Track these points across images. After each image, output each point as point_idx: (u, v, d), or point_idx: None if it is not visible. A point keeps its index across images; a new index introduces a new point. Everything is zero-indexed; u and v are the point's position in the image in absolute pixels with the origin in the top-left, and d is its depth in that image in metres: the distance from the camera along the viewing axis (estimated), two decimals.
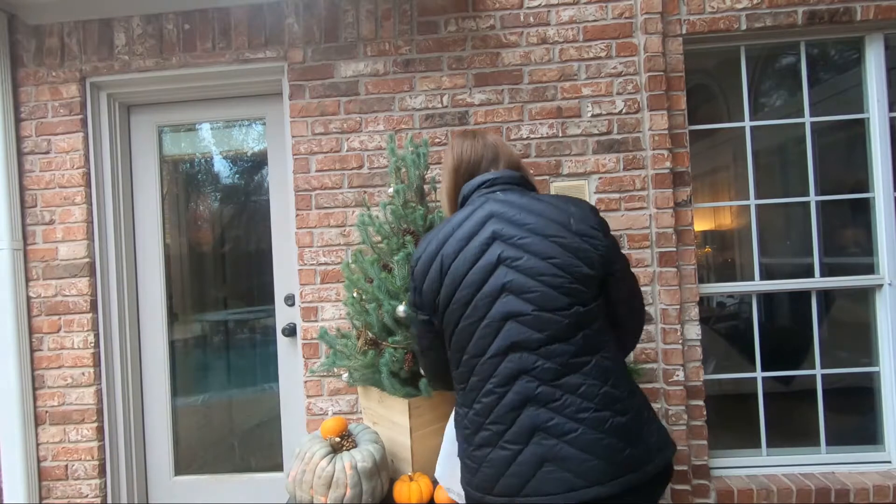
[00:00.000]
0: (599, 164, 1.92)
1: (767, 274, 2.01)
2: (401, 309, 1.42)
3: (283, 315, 2.16)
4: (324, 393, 1.96)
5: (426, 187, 1.66)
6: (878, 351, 1.96)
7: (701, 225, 2.12)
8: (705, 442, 1.85)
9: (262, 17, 2.00)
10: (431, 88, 1.96)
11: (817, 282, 1.96)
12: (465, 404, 1.01)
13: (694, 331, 1.88)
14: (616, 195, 1.91)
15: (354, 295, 1.58)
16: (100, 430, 2.02)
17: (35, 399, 2.02)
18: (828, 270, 1.99)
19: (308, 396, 1.96)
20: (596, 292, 0.98)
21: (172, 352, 2.23)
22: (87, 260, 2.03)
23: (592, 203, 1.92)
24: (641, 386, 1.83)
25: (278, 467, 2.17)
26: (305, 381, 1.97)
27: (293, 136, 1.99)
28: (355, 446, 1.43)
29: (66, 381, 2.01)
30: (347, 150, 1.98)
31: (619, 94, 1.92)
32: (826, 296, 2.02)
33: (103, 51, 2.04)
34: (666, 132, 1.88)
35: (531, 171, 1.93)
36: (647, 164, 1.90)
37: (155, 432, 2.19)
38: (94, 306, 2.03)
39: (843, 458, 1.92)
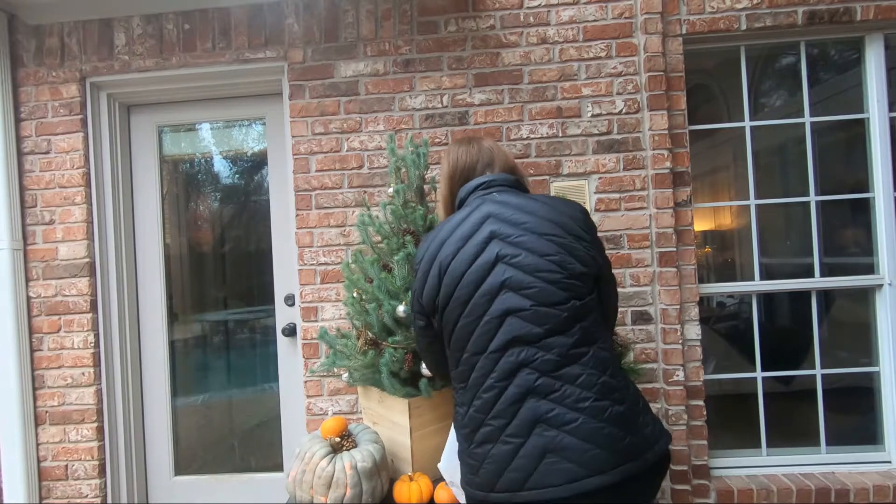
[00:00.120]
0: (599, 164, 1.92)
1: (767, 274, 2.01)
2: (401, 309, 1.42)
3: (283, 315, 2.16)
4: (324, 393, 1.96)
5: (426, 187, 1.66)
6: (878, 351, 1.96)
7: (701, 225, 2.12)
8: (705, 442, 1.85)
9: (262, 17, 2.00)
10: (431, 88, 1.96)
11: (817, 282, 1.96)
12: (465, 403, 1.02)
13: (694, 331, 1.88)
14: (616, 195, 1.91)
15: (354, 295, 1.58)
16: (100, 430, 2.02)
17: (35, 399, 2.02)
18: (828, 270, 1.99)
19: (308, 396, 1.96)
20: (591, 287, 1.02)
21: (172, 352, 2.23)
22: (87, 260, 2.03)
23: (593, 203, 1.92)
24: (641, 386, 1.83)
25: (278, 467, 2.17)
26: (305, 381, 1.97)
27: (293, 136, 1.99)
28: (355, 446, 1.43)
29: (66, 381, 2.01)
30: (347, 150, 1.98)
31: (619, 94, 1.92)
32: (826, 296, 2.02)
33: (103, 51, 2.04)
34: (666, 132, 1.88)
35: (531, 171, 1.94)
36: (647, 164, 1.90)
37: (155, 432, 2.19)
38: (94, 306, 2.03)
39: (843, 458, 1.92)
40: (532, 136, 1.94)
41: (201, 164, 2.31)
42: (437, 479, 1.49)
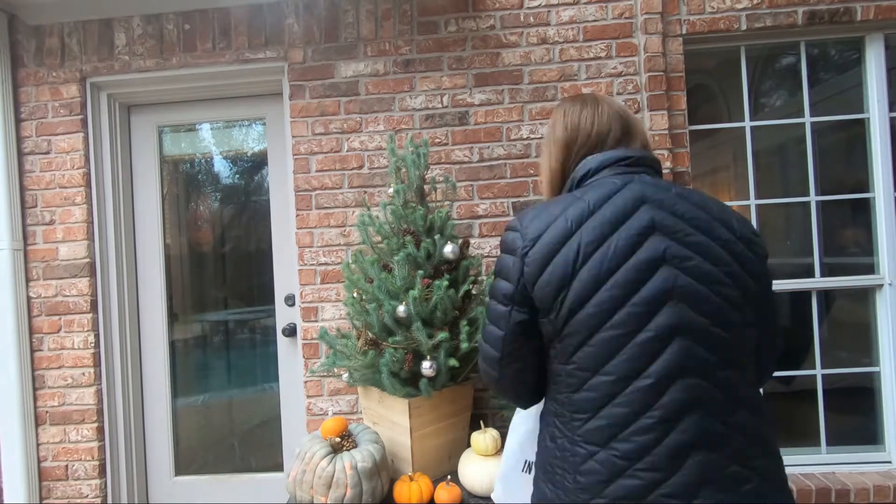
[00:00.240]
0: None
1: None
2: (401, 309, 1.42)
3: (284, 315, 2.16)
4: (324, 393, 1.96)
5: (426, 187, 1.66)
6: (879, 351, 1.96)
7: None
8: None
9: (262, 18, 2.00)
10: (431, 88, 1.96)
11: (817, 282, 1.96)
12: (593, 441, 0.75)
13: None
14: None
15: (354, 295, 1.58)
16: (100, 430, 2.02)
17: (35, 399, 2.02)
18: (828, 270, 1.99)
19: (308, 396, 1.96)
20: (754, 312, 0.80)
21: (172, 352, 2.23)
22: (87, 260, 2.03)
23: None
24: None
25: (278, 467, 2.17)
26: (305, 382, 1.97)
27: (293, 136, 1.99)
28: (355, 446, 1.43)
29: (66, 382, 2.01)
30: (347, 151, 1.98)
31: (619, 94, 1.92)
32: (826, 296, 2.02)
33: (103, 51, 2.04)
34: (666, 132, 1.88)
35: (531, 171, 1.94)
36: None
37: (155, 432, 2.19)
38: (94, 306, 2.03)
39: (843, 458, 1.92)
40: (532, 136, 1.94)
41: (201, 164, 2.31)
42: (437, 479, 1.50)
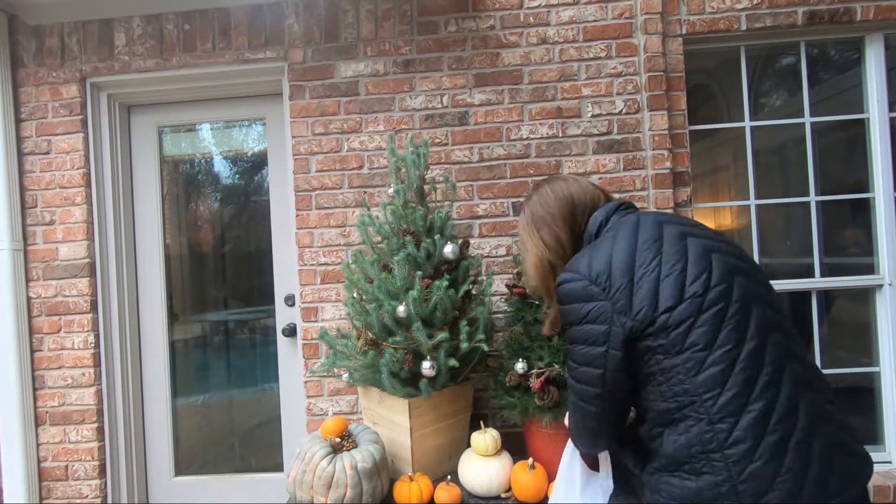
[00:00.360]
0: (599, 164, 1.92)
1: (768, 274, 2.01)
2: (401, 309, 1.42)
3: (284, 315, 2.16)
4: (324, 393, 1.96)
5: (426, 187, 1.66)
6: (878, 351, 1.96)
7: None
8: None
9: (262, 18, 2.00)
10: (431, 89, 1.96)
11: (817, 282, 1.96)
12: (731, 412, 0.79)
13: None
14: (616, 195, 1.90)
15: (354, 295, 1.58)
16: (100, 430, 2.02)
17: (35, 399, 2.02)
18: (828, 270, 1.98)
19: (308, 397, 1.96)
20: None
21: (172, 352, 2.23)
22: (87, 260, 2.03)
23: None
24: None
25: (278, 467, 2.16)
26: (305, 382, 1.97)
27: (293, 137, 1.99)
28: (355, 446, 1.43)
29: (66, 382, 2.01)
30: (347, 151, 1.98)
31: (619, 94, 1.92)
32: (826, 296, 2.02)
33: (103, 51, 2.04)
34: (666, 132, 1.88)
35: (531, 172, 1.94)
36: (647, 165, 1.90)
37: (155, 432, 2.19)
38: (94, 306, 2.03)
39: None
40: (532, 136, 1.94)
41: (201, 164, 2.31)
42: (437, 479, 1.50)
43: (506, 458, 1.51)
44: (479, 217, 1.95)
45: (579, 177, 1.14)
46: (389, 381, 1.44)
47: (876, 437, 1.97)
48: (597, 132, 1.92)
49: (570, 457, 1.14)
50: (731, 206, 2.11)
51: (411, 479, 1.44)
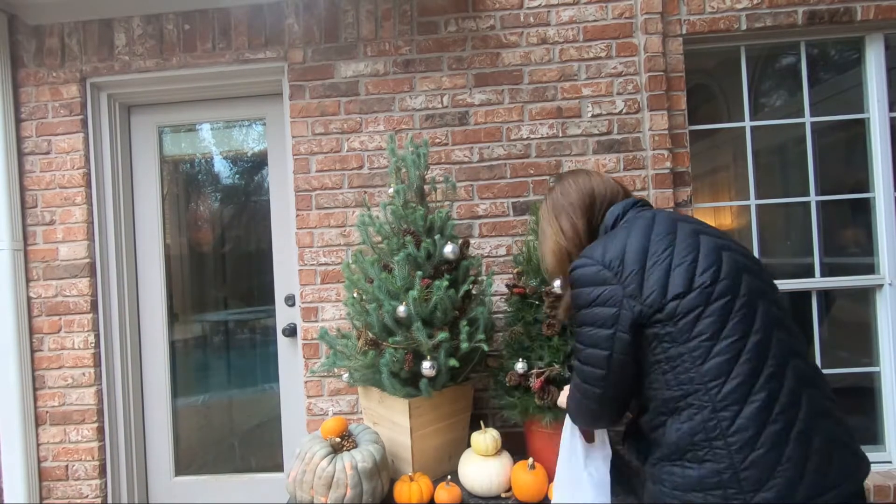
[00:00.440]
0: (599, 164, 1.92)
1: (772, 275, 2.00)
2: (401, 309, 1.42)
3: (284, 315, 2.16)
4: (324, 393, 1.96)
5: (426, 187, 1.66)
6: (879, 351, 1.96)
7: None
8: None
9: (262, 18, 2.00)
10: (431, 88, 1.96)
11: (817, 282, 1.96)
12: (735, 400, 0.81)
13: None
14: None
15: (355, 295, 1.58)
16: (100, 430, 2.02)
17: (35, 399, 2.02)
18: (828, 270, 1.98)
19: (308, 397, 1.96)
20: None
21: (172, 352, 2.23)
22: (87, 260, 2.03)
23: None
24: None
25: (278, 467, 2.17)
26: (306, 382, 1.97)
27: (293, 137, 1.99)
28: (356, 446, 1.43)
29: (66, 382, 2.01)
30: (347, 151, 1.98)
31: (619, 94, 1.92)
32: (826, 296, 2.02)
33: (103, 51, 2.04)
34: (666, 132, 1.88)
35: (531, 171, 1.94)
36: (647, 165, 1.90)
37: (155, 432, 2.19)
38: (94, 306, 2.03)
39: None
40: (532, 136, 1.94)
41: (201, 164, 2.31)
42: (437, 479, 1.50)
43: (506, 458, 1.51)
44: (479, 217, 1.95)
45: (602, 172, 1.17)
46: (389, 381, 1.44)
47: (876, 437, 1.97)
48: (597, 132, 1.92)
49: (571, 432, 1.19)
50: (731, 205, 2.11)
51: (411, 479, 1.44)
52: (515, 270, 1.64)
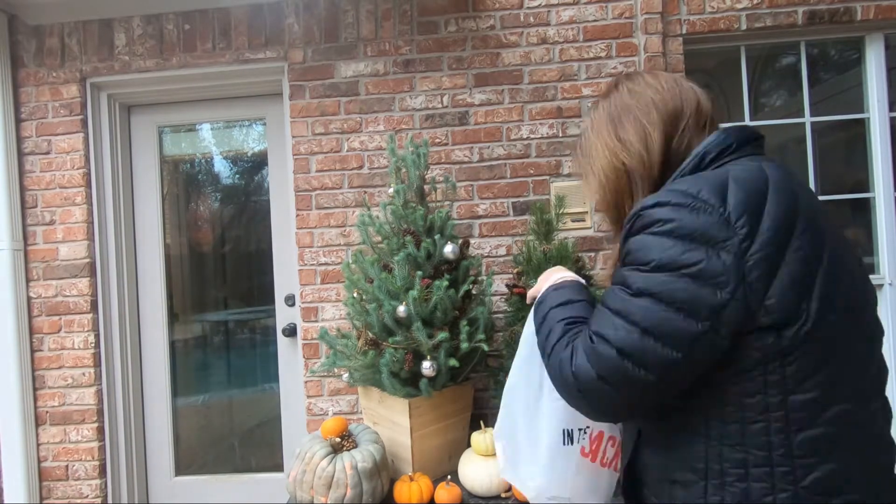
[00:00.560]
0: None
1: None
2: (401, 309, 1.42)
3: (284, 315, 2.16)
4: (324, 393, 1.96)
5: (426, 187, 1.66)
6: None
7: None
8: None
9: (262, 18, 2.00)
10: (431, 88, 1.96)
11: None
12: (825, 492, 0.58)
13: None
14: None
15: (355, 295, 1.58)
16: (100, 430, 2.02)
17: (35, 399, 2.02)
18: None
19: (308, 396, 1.96)
20: None
21: (172, 352, 2.23)
22: (87, 260, 2.03)
23: (593, 203, 1.92)
24: None
25: (278, 467, 2.17)
26: (306, 382, 1.97)
27: (293, 137, 1.99)
28: (356, 446, 1.43)
29: (66, 382, 2.01)
30: (347, 151, 1.98)
31: None
32: None
33: (103, 51, 2.04)
34: None
35: (531, 171, 1.94)
36: None
37: (155, 432, 2.19)
38: (94, 306, 2.03)
39: None
40: (532, 136, 1.94)
41: (201, 164, 2.31)
42: (437, 479, 1.50)
43: None
44: (479, 217, 1.95)
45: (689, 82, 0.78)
46: (389, 381, 1.44)
47: None
48: None
49: (530, 350, 0.87)
50: None
51: (411, 478, 1.44)
52: (515, 270, 1.63)
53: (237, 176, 2.32)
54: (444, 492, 1.41)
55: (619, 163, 0.74)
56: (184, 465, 2.21)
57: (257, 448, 2.23)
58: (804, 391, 0.57)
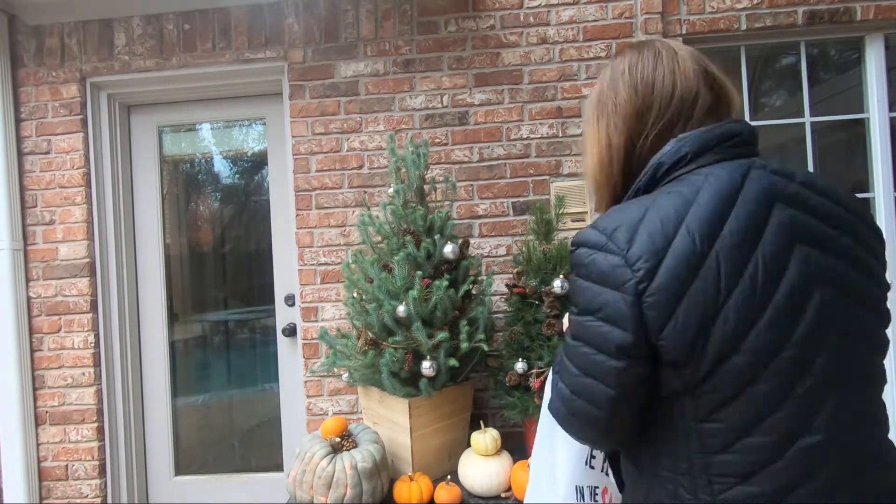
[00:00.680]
0: None
1: None
2: (401, 309, 1.42)
3: (284, 315, 2.16)
4: (324, 393, 1.96)
5: (426, 187, 1.66)
6: None
7: None
8: None
9: (262, 17, 2.00)
10: (431, 88, 1.96)
11: None
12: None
13: None
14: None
15: (354, 295, 1.58)
16: (100, 430, 2.02)
17: (35, 399, 2.02)
18: None
19: (308, 396, 1.96)
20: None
21: (172, 352, 2.23)
22: (87, 260, 2.03)
23: (593, 203, 1.92)
24: None
25: (278, 467, 2.16)
26: (305, 382, 1.97)
27: (293, 136, 1.99)
28: (355, 446, 1.43)
29: (66, 382, 2.01)
30: (347, 150, 1.98)
31: None
32: None
33: (103, 51, 2.04)
34: None
35: (531, 171, 1.94)
36: None
37: (155, 432, 2.19)
38: (94, 306, 2.03)
39: None
40: (532, 136, 1.94)
41: (201, 164, 2.31)
42: (437, 479, 1.50)
43: (506, 457, 1.51)
44: (479, 217, 1.95)
45: (689, 50, 0.70)
46: (389, 381, 1.44)
47: None
48: None
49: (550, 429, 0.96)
50: None
51: (411, 478, 1.44)
52: (515, 270, 1.64)
53: (237, 176, 2.32)
54: (444, 492, 1.41)
55: (597, 155, 0.74)
56: (184, 465, 2.21)
57: (257, 448, 2.23)
58: (712, 421, 0.59)
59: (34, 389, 2.02)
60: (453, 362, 1.43)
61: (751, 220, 0.58)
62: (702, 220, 0.58)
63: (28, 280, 2.03)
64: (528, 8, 1.95)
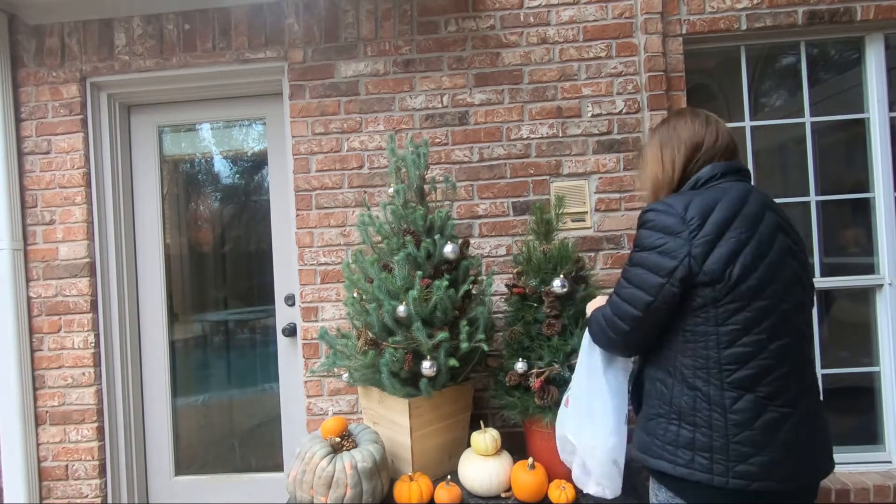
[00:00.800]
0: (599, 163, 1.92)
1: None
2: (401, 309, 1.42)
3: (284, 315, 2.16)
4: (324, 393, 1.96)
5: (426, 187, 1.66)
6: (878, 351, 1.96)
7: None
8: None
9: (262, 17, 2.00)
10: (431, 88, 1.96)
11: (817, 282, 1.96)
12: (742, 387, 0.94)
13: None
14: (616, 195, 1.91)
15: (355, 295, 1.58)
16: (100, 430, 2.02)
17: (35, 399, 2.02)
18: (828, 270, 1.98)
19: (308, 396, 1.96)
20: None
21: (172, 352, 2.23)
22: (87, 260, 2.03)
23: (593, 203, 1.92)
24: None
25: (278, 467, 2.17)
26: (306, 381, 1.97)
27: (293, 136, 1.99)
28: (355, 446, 1.43)
29: (66, 381, 2.01)
30: (347, 150, 1.98)
31: (619, 94, 1.92)
32: (826, 296, 2.02)
33: (103, 51, 2.04)
34: None
35: (531, 171, 1.94)
36: None
37: (155, 432, 2.19)
38: (94, 306, 2.03)
39: (843, 457, 1.92)
40: (532, 136, 1.94)
41: (201, 164, 2.31)
42: (437, 479, 1.50)
43: (506, 457, 1.51)
44: (479, 217, 1.95)
45: (720, 120, 1.12)
46: (389, 381, 1.44)
47: (876, 436, 1.97)
48: (597, 132, 1.92)
49: (590, 345, 1.22)
50: None
51: (411, 478, 1.44)
52: (515, 270, 1.64)
53: (237, 176, 2.32)
54: (444, 492, 1.41)
55: (658, 176, 1.14)
56: (184, 465, 2.21)
57: (257, 448, 2.23)
58: (728, 324, 0.95)
59: (34, 389, 2.02)
60: (453, 362, 1.43)
61: (755, 214, 0.99)
62: (728, 206, 0.98)
63: (28, 280, 2.03)
64: (528, 8, 1.95)
